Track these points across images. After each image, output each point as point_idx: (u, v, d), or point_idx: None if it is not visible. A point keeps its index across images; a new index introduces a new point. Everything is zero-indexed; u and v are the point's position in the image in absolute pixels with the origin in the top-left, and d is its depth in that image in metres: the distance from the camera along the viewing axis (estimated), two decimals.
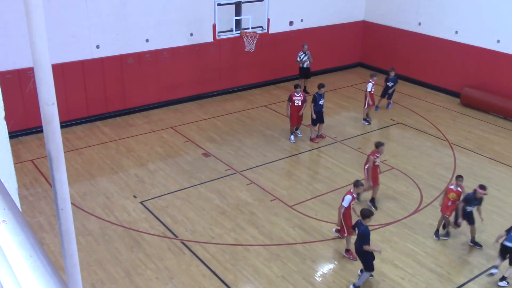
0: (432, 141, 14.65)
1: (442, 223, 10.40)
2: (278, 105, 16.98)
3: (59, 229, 2.21)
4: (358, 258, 9.02)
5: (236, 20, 15.40)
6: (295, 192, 11.92)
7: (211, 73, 17.28)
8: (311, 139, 14.43)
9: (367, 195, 11.53)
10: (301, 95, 14.00)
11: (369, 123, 15.74)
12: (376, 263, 9.51)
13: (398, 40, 19.48)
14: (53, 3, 13.60)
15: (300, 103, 13.95)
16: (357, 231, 8.79)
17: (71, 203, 2.26)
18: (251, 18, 15.47)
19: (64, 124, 13.87)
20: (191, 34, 16.48)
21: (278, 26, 17.72)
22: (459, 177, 10.25)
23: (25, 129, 13.93)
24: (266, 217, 10.88)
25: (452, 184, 10.35)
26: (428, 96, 18.11)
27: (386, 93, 16.65)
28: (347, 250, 9.72)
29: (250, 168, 12.86)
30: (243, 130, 15.11)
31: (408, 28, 19.06)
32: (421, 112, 16.66)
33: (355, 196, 9.73)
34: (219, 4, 14.74)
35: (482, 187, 9.85)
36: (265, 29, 15.90)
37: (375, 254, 8.85)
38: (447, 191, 10.30)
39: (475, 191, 9.87)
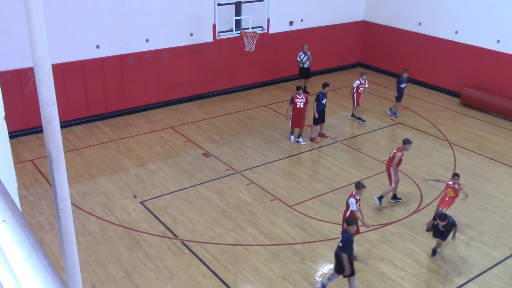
0: (432, 141, 14.65)
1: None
2: (278, 105, 16.99)
3: (59, 229, 2.21)
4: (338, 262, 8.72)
5: (236, 20, 15.42)
6: (295, 192, 11.92)
7: (211, 73, 17.28)
8: (312, 139, 14.42)
9: (367, 195, 11.53)
10: (303, 97, 13.93)
11: (363, 121, 15.79)
12: (376, 263, 9.52)
13: (398, 40, 19.48)
14: (53, 3, 13.60)
15: (302, 105, 13.88)
16: (340, 238, 8.60)
17: (71, 203, 2.26)
18: (251, 18, 15.48)
19: (64, 124, 13.87)
20: (191, 34, 16.48)
21: (278, 26, 17.72)
22: (455, 176, 10.46)
23: (25, 129, 13.93)
24: (266, 217, 10.88)
25: (450, 180, 10.53)
26: (428, 96, 18.11)
27: (402, 96, 16.06)
28: None
29: (250, 168, 12.87)
30: (243, 130, 15.11)
31: (408, 28, 19.06)
32: (421, 112, 16.66)
33: (358, 198, 9.63)
34: (219, 4, 14.75)
35: (441, 217, 9.34)
36: (265, 29, 15.91)
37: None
38: (446, 186, 10.58)
39: (435, 219, 9.63)
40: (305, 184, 12.30)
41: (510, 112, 16.09)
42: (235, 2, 15.29)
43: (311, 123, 14.45)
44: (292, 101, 13.92)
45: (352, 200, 9.40)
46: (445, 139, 14.80)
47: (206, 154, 13.55)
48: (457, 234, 9.67)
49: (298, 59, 17.43)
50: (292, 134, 14.36)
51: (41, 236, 9.87)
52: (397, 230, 10.57)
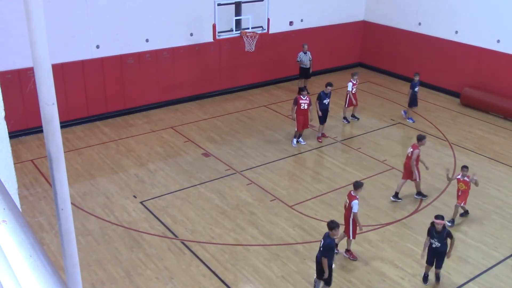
0: (432, 141, 14.63)
1: (458, 212, 10.80)
2: (278, 105, 16.99)
3: (59, 229, 2.22)
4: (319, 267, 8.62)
5: (236, 20, 15.42)
6: (295, 192, 11.92)
7: (211, 73, 17.28)
8: (318, 138, 14.44)
9: (367, 195, 11.52)
10: (307, 98, 13.81)
11: (358, 119, 15.85)
12: (376, 263, 9.52)
13: (398, 40, 19.48)
14: (53, 3, 13.60)
15: (306, 107, 13.81)
16: (322, 242, 8.46)
17: (71, 203, 2.26)
18: (251, 18, 15.48)
19: (64, 124, 13.87)
20: (191, 34, 16.48)
21: (278, 26, 17.72)
22: (464, 168, 10.66)
23: (25, 129, 13.93)
24: (266, 217, 10.88)
25: (459, 174, 10.69)
26: (428, 96, 18.11)
27: (416, 100, 15.88)
28: (347, 250, 9.72)
29: (250, 168, 12.86)
30: (243, 130, 15.11)
31: (408, 28, 19.06)
32: (421, 112, 16.65)
33: (358, 197, 9.60)
34: (219, 4, 14.75)
35: (438, 216, 8.83)
36: (265, 29, 15.91)
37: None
38: (457, 180, 10.73)
39: (432, 223, 8.88)
40: (305, 184, 12.30)
41: (510, 112, 16.09)
42: (235, 2, 15.29)
43: (316, 123, 14.44)
44: (296, 102, 13.79)
45: (356, 202, 9.36)
46: (445, 139, 14.80)
47: (206, 154, 13.55)
48: (457, 234, 9.67)
49: (298, 59, 17.42)
50: (295, 137, 14.20)
51: (41, 236, 9.87)
52: (397, 230, 10.57)
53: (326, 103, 14.27)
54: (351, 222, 9.45)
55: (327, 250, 8.35)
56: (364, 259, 9.64)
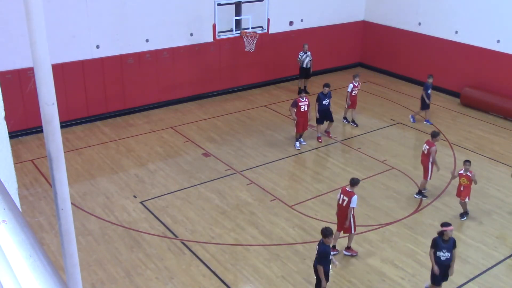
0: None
1: (466, 205, 10.91)
2: (278, 105, 16.99)
3: (59, 229, 2.21)
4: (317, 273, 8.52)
5: (236, 20, 15.42)
6: (295, 192, 11.93)
7: (211, 73, 17.28)
8: (318, 138, 14.44)
9: (367, 195, 11.52)
10: (306, 100, 13.79)
11: (356, 125, 15.50)
12: (376, 263, 9.52)
13: (398, 40, 19.47)
14: (53, 3, 13.59)
15: (306, 108, 13.78)
16: (317, 249, 8.38)
17: (71, 203, 2.26)
18: (251, 18, 15.48)
19: (64, 124, 13.87)
20: (191, 34, 16.48)
21: (278, 26, 17.72)
22: (467, 162, 10.72)
23: (25, 129, 13.93)
24: (266, 217, 10.88)
25: (461, 169, 10.72)
26: None
27: (427, 102, 15.58)
28: (348, 248, 9.72)
29: (250, 168, 12.86)
30: (243, 130, 15.11)
31: (408, 28, 19.06)
32: (421, 112, 16.63)
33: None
34: (219, 4, 14.75)
35: (445, 224, 8.32)
36: (265, 29, 15.91)
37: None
38: (458, 176, 10.74)
39: (440, 232, 8.31)
40: (305, 184, 12.30)
41: (510, 112, 16.09)
42: (235, 2, 15.29)
43: (314, 123, 14.44)
44: (296, 105, 13.74)
45: (356, 197, 9.37)
46: (445, 139, 14.80)
47: (206, 154, 13.55)
48: (457, 234, 9.66)
49: (299, 58, 17.41)
50: (297, 141, 14.09)
51: (41, 236, 9.87)
52: (397, 230, 10.57)
53: (326, 103, 14.25)
54: (351, 217, 9.48)
55: (322, 257, 8.25)
56: (364, 259, 9.64)
